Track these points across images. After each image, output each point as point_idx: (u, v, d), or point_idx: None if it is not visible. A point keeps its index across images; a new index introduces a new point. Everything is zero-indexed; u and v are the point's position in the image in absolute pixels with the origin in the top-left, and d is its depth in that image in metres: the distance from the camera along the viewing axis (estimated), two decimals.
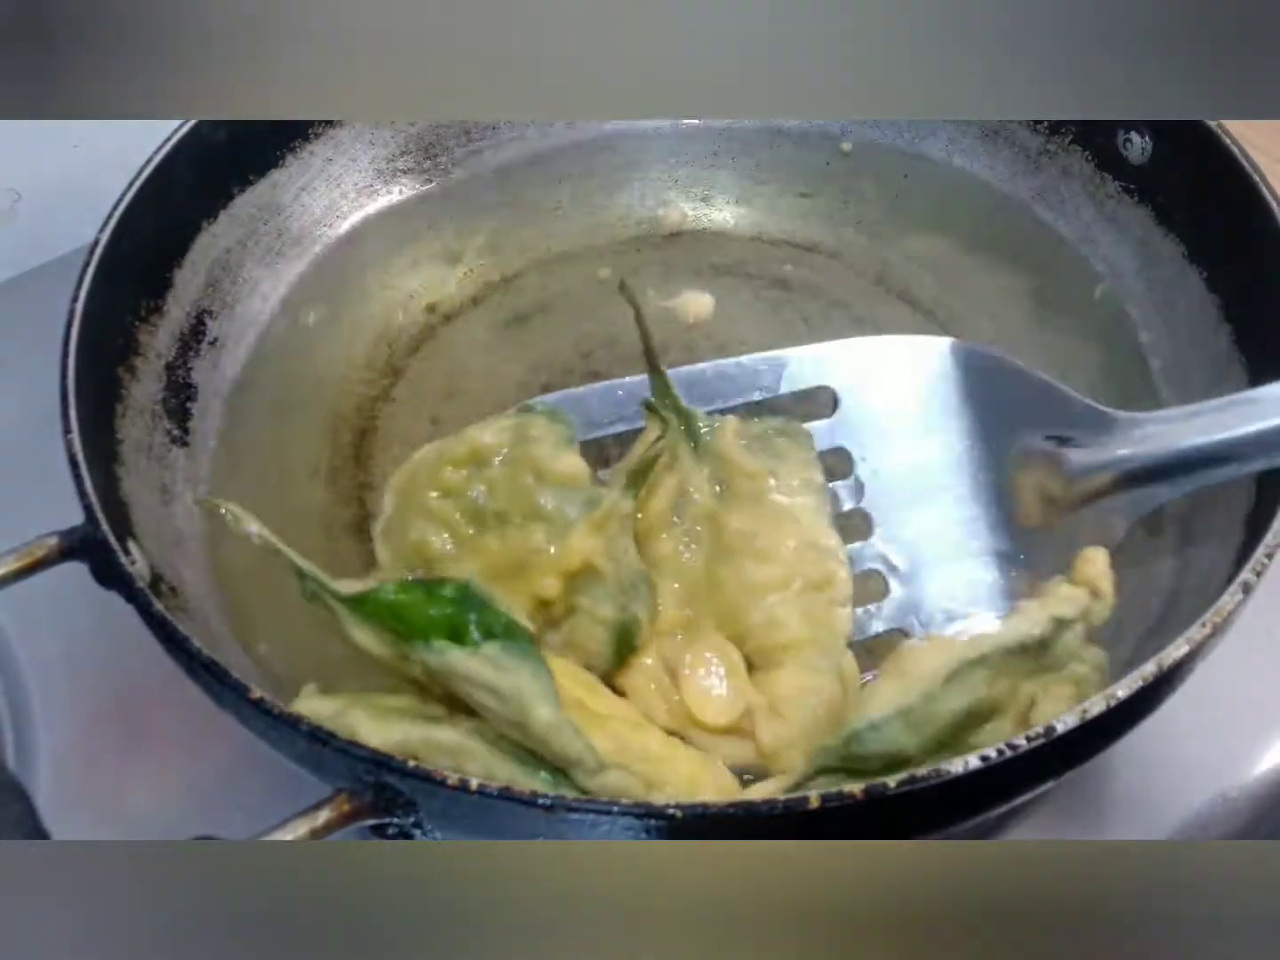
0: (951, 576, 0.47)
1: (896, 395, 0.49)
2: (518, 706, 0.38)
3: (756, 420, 0.48)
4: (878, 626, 0.47)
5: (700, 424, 0.47)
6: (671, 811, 0.35)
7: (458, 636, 0.40)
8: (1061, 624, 0.40)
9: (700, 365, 0.49)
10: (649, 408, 0.47)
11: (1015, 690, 0.40)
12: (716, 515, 0.46)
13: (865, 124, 0.62)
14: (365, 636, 0.41)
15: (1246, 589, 0.39)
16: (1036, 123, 0.59)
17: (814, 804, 0.35)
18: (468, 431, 0.46)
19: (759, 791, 0.41)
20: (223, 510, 0.42)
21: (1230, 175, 0.50)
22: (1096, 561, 0.42)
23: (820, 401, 0.49)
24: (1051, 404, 0.46)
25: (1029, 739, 0.36)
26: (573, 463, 0.45)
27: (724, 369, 0.49)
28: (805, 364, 0.49)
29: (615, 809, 0.35)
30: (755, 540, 0.45)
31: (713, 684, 0.44)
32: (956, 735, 0.40)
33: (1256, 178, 0.49)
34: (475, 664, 0.39)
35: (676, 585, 0.46)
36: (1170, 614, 0.45)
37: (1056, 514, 0.46)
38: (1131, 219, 0.56)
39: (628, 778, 0.39)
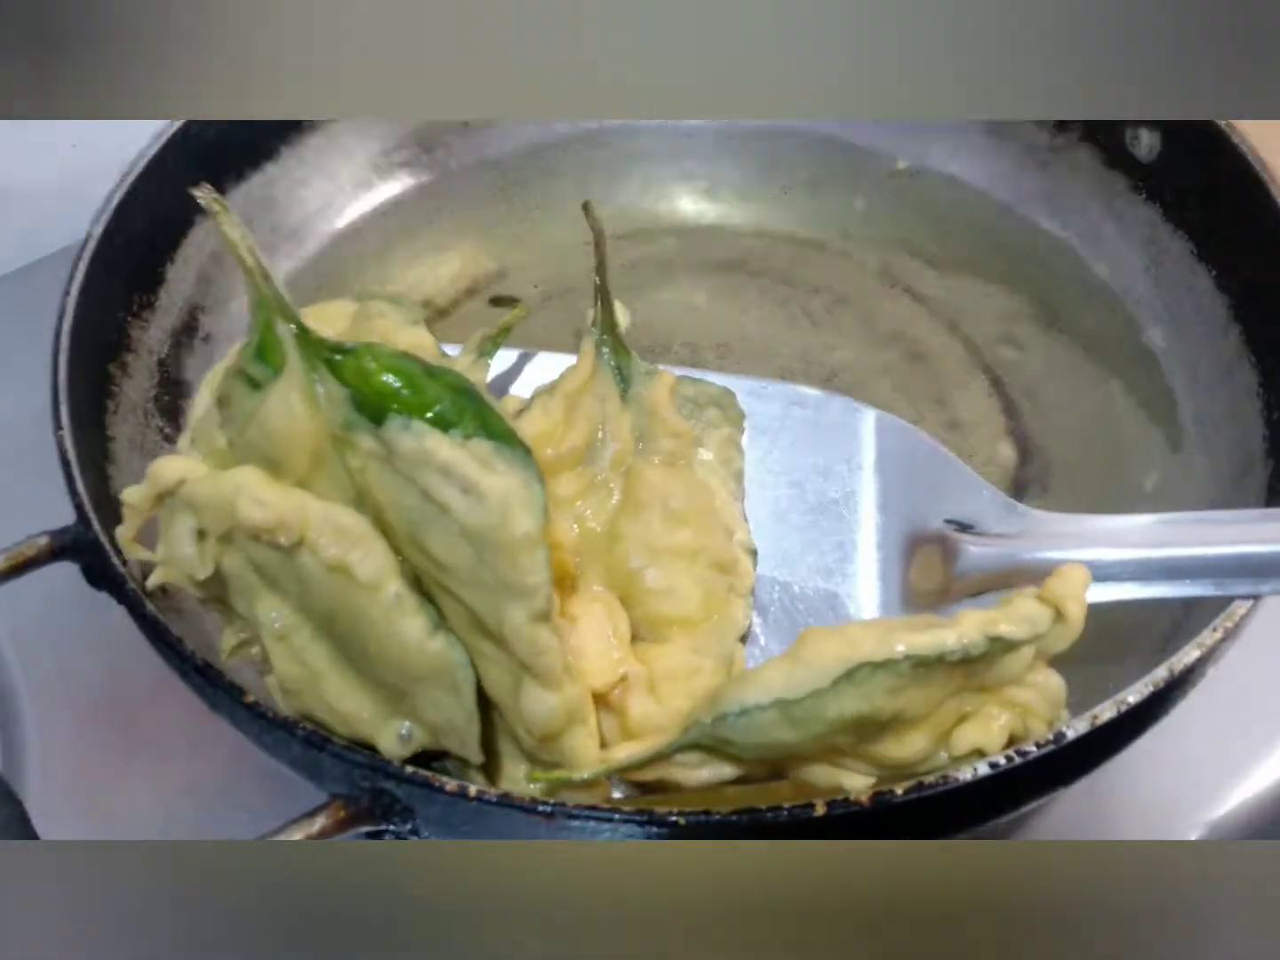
0: None
1: (803, 447, 0.47)
2: (498, 511, 0.34)
3: (691, 382, 0.46)
4: None
5: (635, 369, 0.45)
6: (674, 819, 0.34)
7: (445, 424, 0.35)
8: (1001, 644, 0.35)
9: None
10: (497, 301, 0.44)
11: (936, 704, 0.36)
12: (633, 466, 0.43)
13: (870, 122, 0.62)
14: (302, 405, 0.36)
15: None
16: (1043, 120, 0.59)
17: (820, 811, 0.34)
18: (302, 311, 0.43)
19: (624, 750, 0.39)
20: (213, 203, 0.36)
21: (1239, 173, 0.50)
22: (1073, 581, 0.37)
23: None
24: (958, 488, 0.44)
25: (1039, 745, 0.35)
26: (419, 334, 0.43)
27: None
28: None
29: (616, 816, 0.35)
30: (670, 500, 0.43)
31: (593, 642, 0.40)
32: (855, 739, 0.36)
33: (1265, 176, 0.49)
34: (460, 455, 0.35)
35: (574, 531, 0.43)
36: (1182, 618, 0.44)
37: (944, 599, 0.43)
38: (1139, 217, 0.56)
39: (555, 640, 0.36)
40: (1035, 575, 0.38)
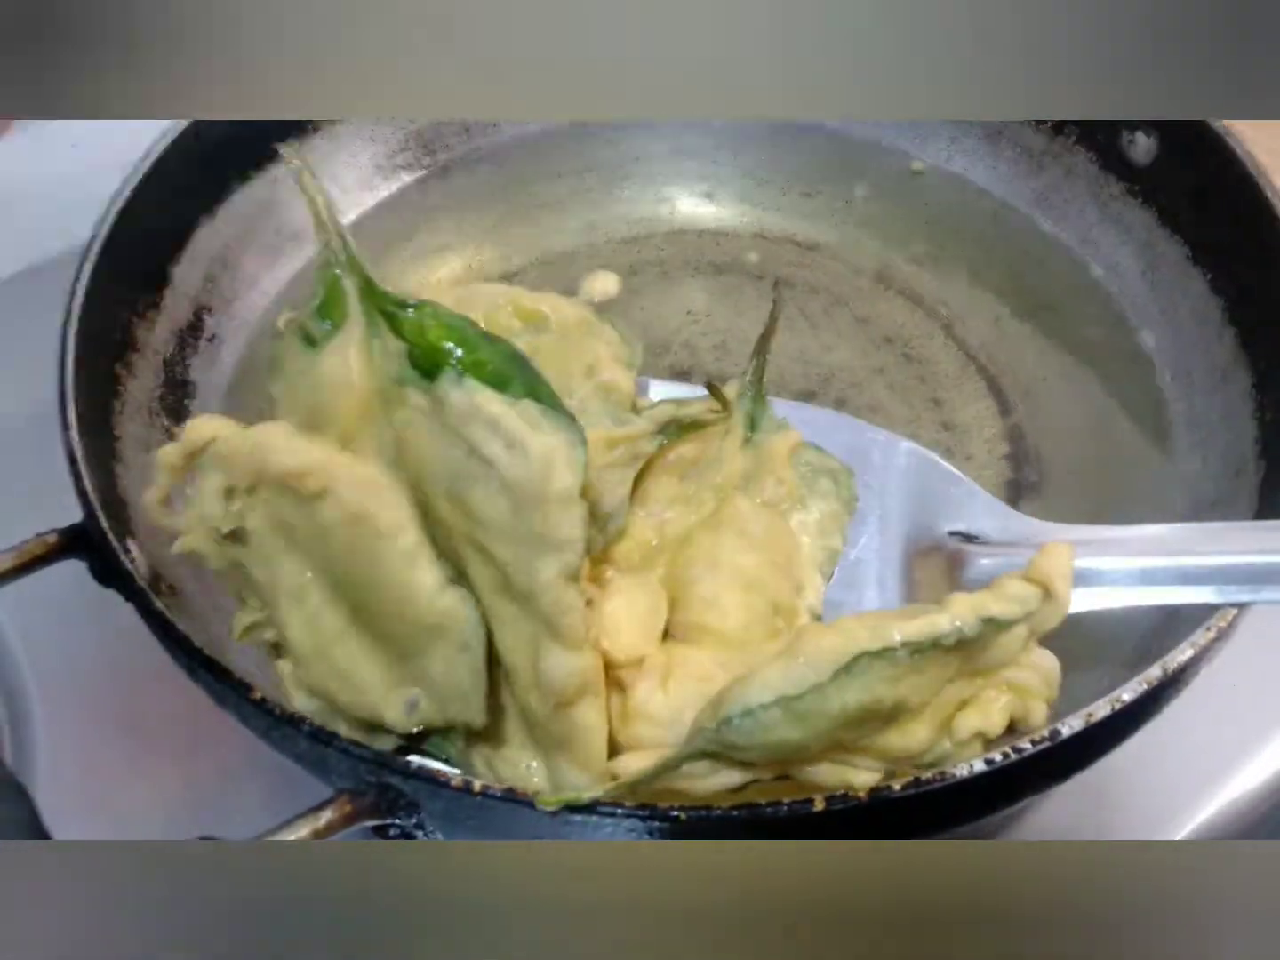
0: None
1: None
2: (540, 466, 0.35)
3: (816, 450, 0.46)
4: None
5: (767, 420, 0.46)
6: (675, 814, 0.35)
7: (500, 384, 0.36)
8: (994, 625, 0.36)
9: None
10: (711, 389, 0.45)
11: (935, 691, 0.36)
12: (731, 496, 0.44)
13: (867, 124, 0.62)
14: (358, 359, 0.37)
15: None
16: (1040, 123, 0.59)
17: (819, 806, 0.35)
18: (545, 294, 0.45)
19: (631, 763, 0.38)
20: (293, 160, 0.38)
21: (1234, 176, 0.50)
22: (1058, 558, 0.37)
23: None
24: (964, 503, 0.45)
25: (1034, 742, 0.36)
26: (624, 377, 0.44)
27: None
28: None
29: (619, 811, 0.35)
30: (751, 526, 0.43)
31: (625, 618, 0.41)
32: (859, 733, 0.36)
33: (1261, 179, 0.49)
34: (510, 411, 0.36)
35: (652, 529, 0.43)
36: (1174, 617, 0.45)
37: None
38: (1135, 220, 0.56)
39: (581, 601, 0.37)
40: None
